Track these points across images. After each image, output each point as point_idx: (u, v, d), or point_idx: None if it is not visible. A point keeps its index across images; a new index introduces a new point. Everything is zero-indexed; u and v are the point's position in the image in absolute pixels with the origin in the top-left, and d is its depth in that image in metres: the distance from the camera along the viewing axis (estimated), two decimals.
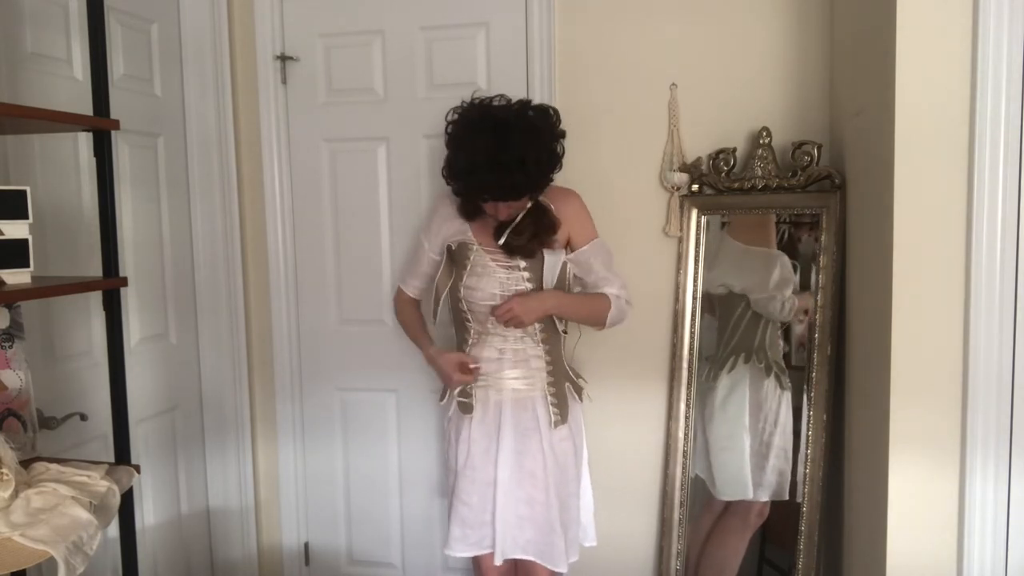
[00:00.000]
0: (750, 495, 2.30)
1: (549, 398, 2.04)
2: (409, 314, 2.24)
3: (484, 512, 2.03)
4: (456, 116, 1.98)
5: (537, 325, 2.03)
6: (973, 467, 1.58)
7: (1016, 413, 1.57)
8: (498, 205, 1.95)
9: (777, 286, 2.28)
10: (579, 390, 2.14)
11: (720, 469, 2.34)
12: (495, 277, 2.01)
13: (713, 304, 2.36)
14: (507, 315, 1.96)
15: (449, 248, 2.11)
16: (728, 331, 2.34)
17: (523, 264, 2.01)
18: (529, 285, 2.01)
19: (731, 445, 2.31)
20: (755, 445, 2.29)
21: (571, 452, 2.07)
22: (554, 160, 1.98)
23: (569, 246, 2.08)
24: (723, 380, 2.32)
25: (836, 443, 2.19)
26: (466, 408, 2.07)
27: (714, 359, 2.35)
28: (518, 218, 1.99)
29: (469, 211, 2.04)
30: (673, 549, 2.36)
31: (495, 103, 1.96)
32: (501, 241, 1.99)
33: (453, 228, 2.09)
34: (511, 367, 2.04)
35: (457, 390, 2.08)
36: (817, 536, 2.17)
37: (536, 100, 2.30)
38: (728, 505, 2.36)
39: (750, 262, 2.33)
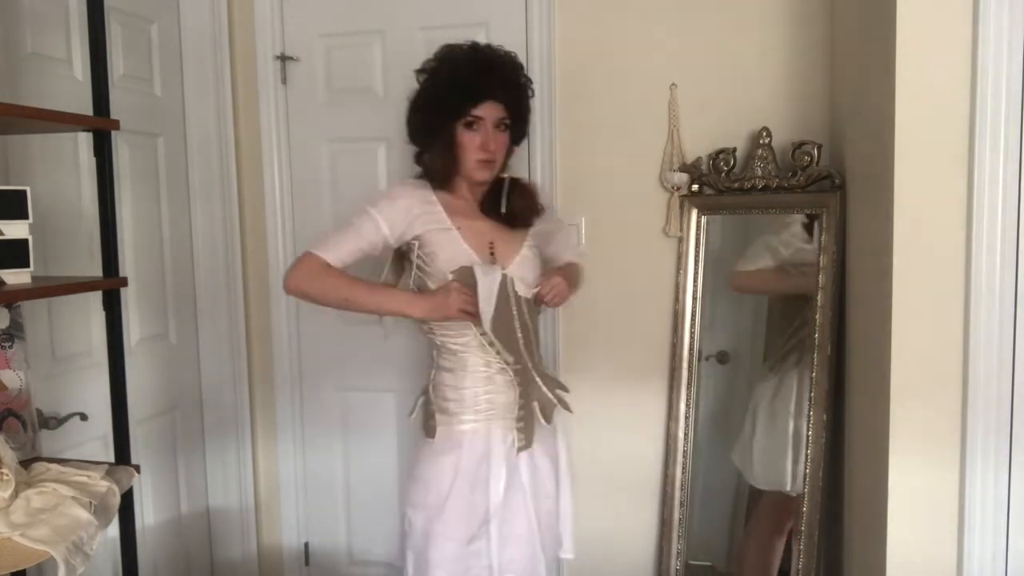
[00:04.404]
0: (787, 487, 2.25)
1: (515, 423, 1.79)
2: (337, 274, 1.76)
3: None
4: (439, 53, 1.80)
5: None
6: (973, 466, 1.58)
7: (1016, 412, 1.56)
8: (488, 131, 1.72)
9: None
10: (550, 409, 1.87)
11: (760, 456, 2.30)
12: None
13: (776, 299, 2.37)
14: (555, 294, 1.79)
15: (404, 250, 1.81)
16: (793, 327, 2.28)
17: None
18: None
19: (775, 436, 2.27)
20: (793, 438, 2.25)
21: (549, 472, 1.89)
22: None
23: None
24: (775, 374, 2.30)
25: (836, 443, 2.19)
26: (429, 431, 1.83)
27: (773, 351, 2.34)
28: (506, 186, 1.82)
29: (445, 163, 1.75)
30: (673, 549, 2.35)
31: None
32: (503, 209, 1.80)
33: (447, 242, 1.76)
34: (481, 389, 1.78)
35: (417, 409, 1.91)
36: (817, 536, 2.17)
37: (536, 99, 2.30)
38: (761, 505, 2.34)
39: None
